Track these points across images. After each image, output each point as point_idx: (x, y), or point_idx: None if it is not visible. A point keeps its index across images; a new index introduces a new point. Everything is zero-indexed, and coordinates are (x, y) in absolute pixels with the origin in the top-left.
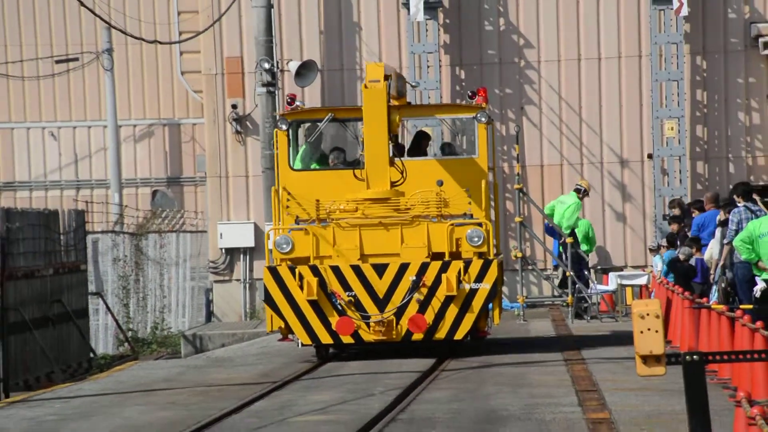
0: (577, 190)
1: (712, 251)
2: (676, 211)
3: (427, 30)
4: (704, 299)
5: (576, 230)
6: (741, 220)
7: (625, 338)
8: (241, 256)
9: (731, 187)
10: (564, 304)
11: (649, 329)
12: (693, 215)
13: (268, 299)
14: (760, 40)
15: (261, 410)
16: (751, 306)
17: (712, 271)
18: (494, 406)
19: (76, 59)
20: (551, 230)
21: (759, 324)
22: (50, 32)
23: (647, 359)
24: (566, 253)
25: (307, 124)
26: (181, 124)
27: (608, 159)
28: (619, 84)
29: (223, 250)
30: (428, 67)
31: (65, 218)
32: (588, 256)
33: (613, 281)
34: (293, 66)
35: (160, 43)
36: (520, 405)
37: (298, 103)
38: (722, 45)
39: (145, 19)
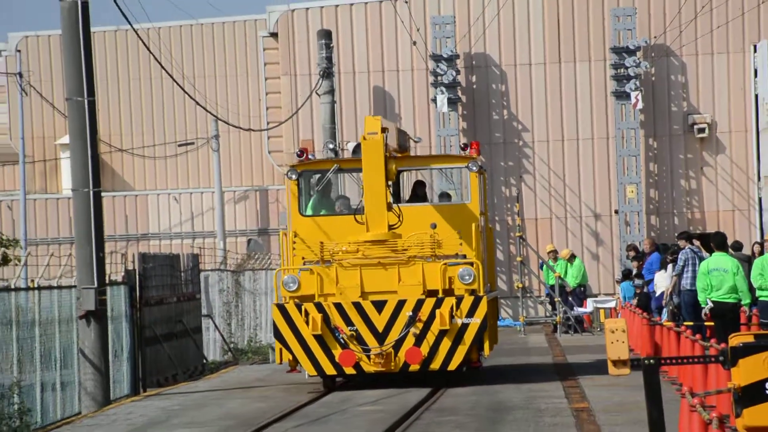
0: (573, 256)
1: (657, 283)
2: (632, 253)
3: (449, 119)
4: (657, 318)
5: (572, 270)
6: (687, 258)
7: (598, 347)
8: None
9: (676, 234)
10: (554, 322)
11: (617, 340)
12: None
13: (277, 334)
14: (695, 126)
15: (328, 402)
16: (692, 323)
17: (665, 298)
18: (502, 399)
19: (192, 143)
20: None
21: (698, 336)
22: (174, 123)
23: (616, 363)
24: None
25: (318, 175)
26: (268, 190)
27: (585, 213)
28: (593, 158)
29: None
30: (451, 146)
31: (184, 260)
32: (580, 287)
33: (590, 305)
34: (351, 146)
35: (253, 130)
36: (522, 397)
37: (311, 156)
38: (668, 130)
39: (242, 113)
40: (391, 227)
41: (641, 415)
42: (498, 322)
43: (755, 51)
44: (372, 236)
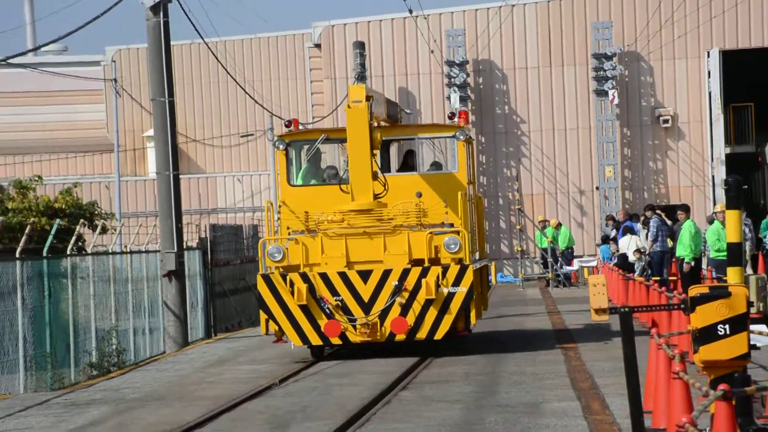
0: (559, 224)
1: (621, 247)
2: (611, 222)
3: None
4: (631, 274)
5: (560, 236)
6: (658, 225)
7: (583, 299)
8: None
9: (645, 207)
10: (546, 278)
11: (598, 293)
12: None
13: (262, 304)
14: (661, 118)
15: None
16: (659, 278)
17: (637, 260)
18: (504, 341)
19: (252, 134)
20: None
21: (663, 289)
22: (237, 118)
23: (597, 311)
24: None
25: (307, 146)
26: None
27: (572, 190)
28: (578, 144)
29: None
30: None
31: (246, 229)
32: (568, 250)
33: (576, 264)
34: None
35: (302, 123)
36: (520, 340)
37: (301, 126)
38: (639, 121)
39: (292, 109)
40: (376, 196)
41: (617, 352)
42: (500, 279)
43: (708, 57)
44: (357, 205)
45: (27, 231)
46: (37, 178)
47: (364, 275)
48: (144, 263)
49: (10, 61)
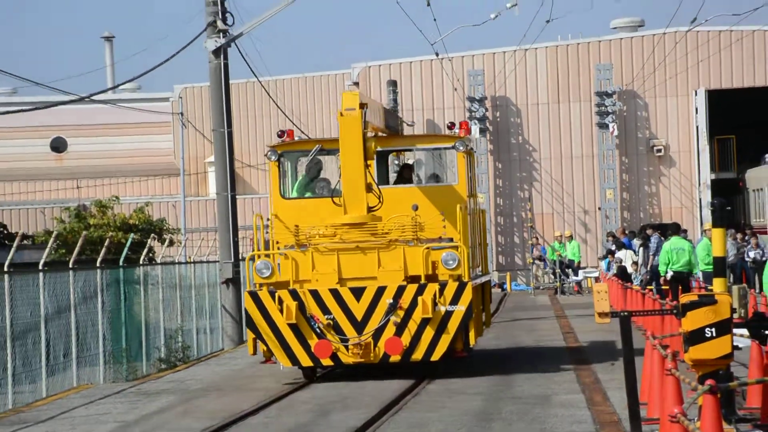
0: (571, 236)
1: (621, 258)
2: (611, 239)
3: (480, 143)
4: (629, 284)
5: (570, 248)
6: (659, 241)
7: (586, 304)
8: None
9: (641, 225)
10: (555, 287)
11: (601, 299)
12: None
13: (250, 323)
14: (654, 148)
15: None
16: (651, 287)
17: (634, 271)
18: (518, 340)
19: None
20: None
21: (657, 297)
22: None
23: (600, 315)
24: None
25: (303, 157)
26: None
27: (577, 210)
28: (582, 170)
29: None
30: (480, 163)
31: None
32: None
33: (580, 274)
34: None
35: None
36: (532, 339)
37: (297, 137)
38: (635, 150)
39: (330, 129)
40: (370, 209)
41: (617, 351)
42: (514, 287)
43: (696, 95)
44: (350, 219)
45: (106, 244)
46: (114, 198)
47: (357, 292)
48: (205, 272)
49: (93, 98)
